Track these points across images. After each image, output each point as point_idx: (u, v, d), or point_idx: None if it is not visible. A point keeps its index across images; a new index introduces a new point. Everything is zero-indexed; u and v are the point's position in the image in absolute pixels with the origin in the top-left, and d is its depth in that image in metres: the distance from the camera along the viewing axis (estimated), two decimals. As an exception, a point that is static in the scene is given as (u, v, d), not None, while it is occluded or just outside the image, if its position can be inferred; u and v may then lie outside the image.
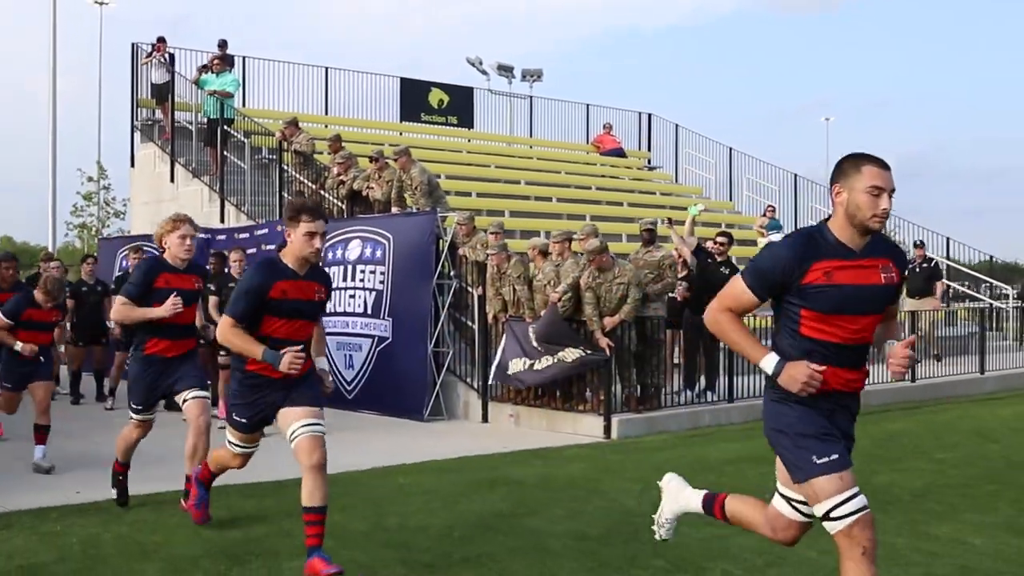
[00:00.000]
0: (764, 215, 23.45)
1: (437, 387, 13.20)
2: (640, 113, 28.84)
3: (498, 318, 12.73)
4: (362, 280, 14.22)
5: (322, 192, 16.14)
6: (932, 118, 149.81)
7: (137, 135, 20.94)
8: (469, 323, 13.44)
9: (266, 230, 16.29)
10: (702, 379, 12.98)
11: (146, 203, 20.90)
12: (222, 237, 17.07)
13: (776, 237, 22.19)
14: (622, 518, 7.20)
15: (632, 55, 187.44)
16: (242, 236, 16.47)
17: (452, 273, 13.40)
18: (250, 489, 8.13)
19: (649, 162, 28.68)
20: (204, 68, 19.46)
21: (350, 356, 14.29)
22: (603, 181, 24.85)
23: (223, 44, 20.41)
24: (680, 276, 12.94)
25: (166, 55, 19.80)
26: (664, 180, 27.26)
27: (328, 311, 14.39)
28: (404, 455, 10.14)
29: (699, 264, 12.92)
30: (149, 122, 20.67)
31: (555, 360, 11.77)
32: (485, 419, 12.93)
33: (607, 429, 11.45)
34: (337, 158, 15.86)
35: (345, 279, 14.43)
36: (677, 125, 28.12)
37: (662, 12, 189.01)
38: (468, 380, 13.32)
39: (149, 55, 19.96)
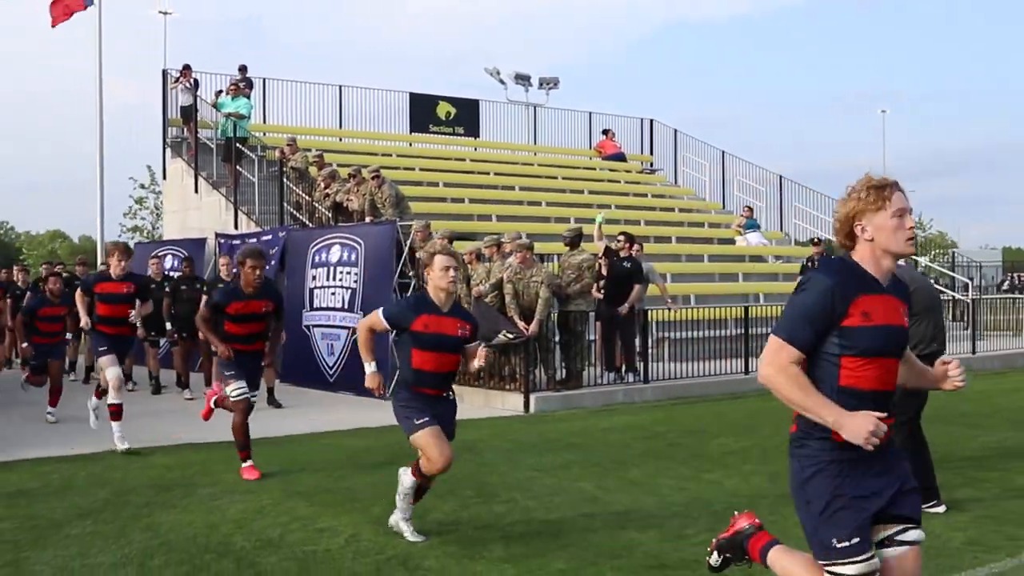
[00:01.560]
0: (742, 215, 25.31)
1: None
2: (642, 119, 30.79)
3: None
4: (341, 280, 16.50)
5: (314, 203, 18.47)
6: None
7: (168, 151, 23.52)
8: (428, 315, 15.62)
9: (270, 236, 18.68)
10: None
11: (175, 211, 23.51)
12: (236, 242, 19.49)
13: (752, 236, 24.16)
14: (475, 468, 9.37)
15: (686, 49, 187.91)
16: (250, 241, 18.86)
17: (411, 273, 15.62)
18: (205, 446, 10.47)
19: (652, 165, 30.64)
20: (220, 92, 21.95)
21: (331, 345, 16.57)
22: (601, 185, 26.84)
23: (243, 68, 22.92)
24: (596, 276, 15.01)
25: (191, 80, 22.32)
26: (660, 183, 29.21)
27: (314, 306, 16.91)
28: (346, 424, 12.42)
29: (608, 262, 14.97)
30: (178, 139, 23.22)
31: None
32: (438, 397, 15.10)
33: (526, 405, 13.60)
34: (321, 174, 18.14)
35: (328, 279, 16.73)
36: (676, 130, 30.07)
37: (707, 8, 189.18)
38: (426, 365, 15.50)
39: (177, 80, 22.50)
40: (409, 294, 15.46)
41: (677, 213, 26.17)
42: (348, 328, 16.24)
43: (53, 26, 24.10)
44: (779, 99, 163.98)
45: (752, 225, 24.93)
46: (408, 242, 15.69)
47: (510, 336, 13.64)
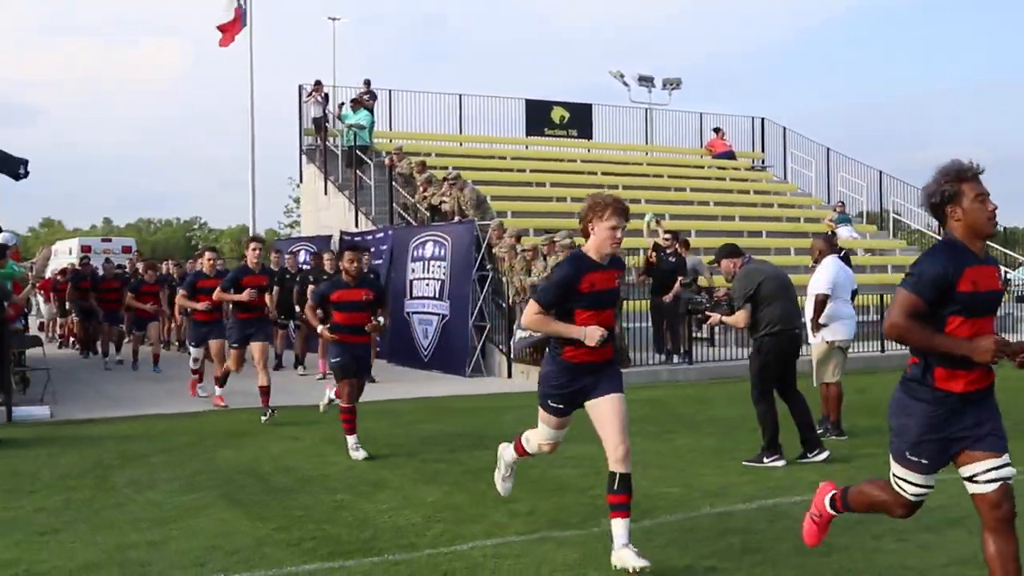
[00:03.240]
0: (835, 210, 26.54)
1: (477, 351, 17.66)
2: (752, 118, 32.18)
3: (515, 301, 17.06)
4: (433, 272, 18.86)
5: (416, 204, 20.89)
6: None
7: (303, 157, 26.43)
8: (504, 304, 17.82)
9: (382, 234, 21.22)
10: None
11: (309, 211, 26.45)
12: (357, 239, 22.11)
13: (843, 230, 25.40)
14: (486, 423, 11.53)
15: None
16: (367, 239, 21.44)
17: (489, 267, 17.83)
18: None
19: (763, 162, 31.98)
20: (343, 105, 24.67)
21: (426, 329, 18.95)
22: (705, 183, 28.46)
23: (367, 83, 25.61)
24: (644, 267, 16.89)
25: (322, 94, 25.13)
26: (767, 179, 30.58)
27: (413, 295, 19.31)
28: (411, 394, 14.73)
29: (656, 257, 16.81)
30: (311, 147, 26.10)
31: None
32: (510, 375, 17.28)
33: (575, 381, 15.61)
34: (421, 178, 20.51)
35: (424, 271, 19.13)
36: (784, 128, 31.35)
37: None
38: (501, 347, 17.70)
39: (309, 94, 25.34)
40: (482, 286, 17.65)
41: (776, 208, 27.56)
42: (438, 315, 18.58)
43: (221, 46, 27.19)
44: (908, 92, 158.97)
45: (843, 219, 26.12)
46: (485, 240, 17.88)
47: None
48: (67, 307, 23.31)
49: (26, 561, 6.20)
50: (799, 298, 10.10)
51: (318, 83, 25.27)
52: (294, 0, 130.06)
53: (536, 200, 24.58)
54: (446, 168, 22.71)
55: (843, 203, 26.96)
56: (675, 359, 16.73)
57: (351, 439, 9.59)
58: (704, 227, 24.30)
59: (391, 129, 27.21)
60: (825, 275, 10.49)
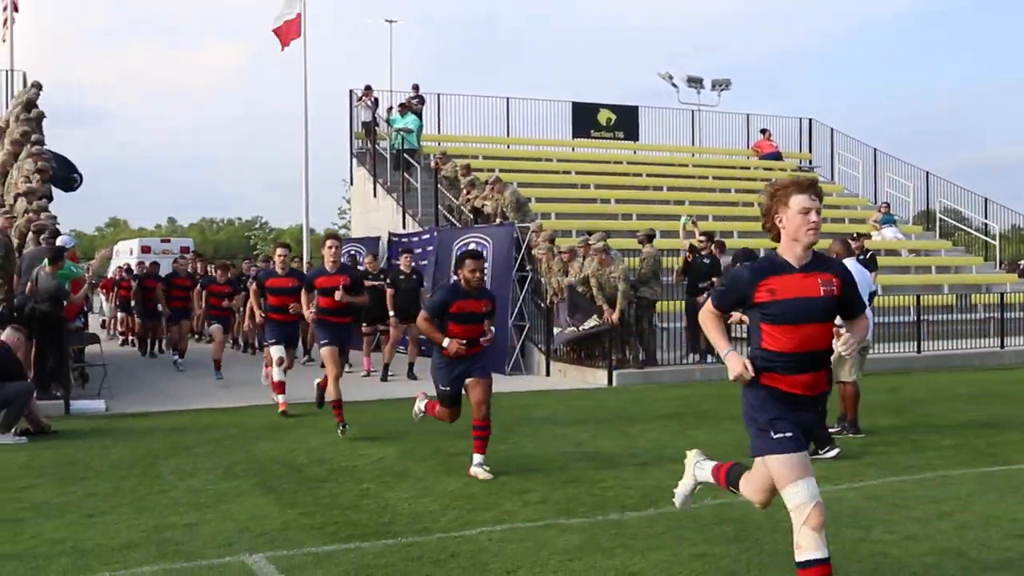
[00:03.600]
0: (879, 210, 26.63)
1: (516, 350, 18.14)
2: (800, 119, 32.31)
3: (553, 301, 17.52)
4: (475, 273, 19.35)
5: (460, 206, 21.43)
6: None
7: (354, 160, 27.09)
8: (542, 304, 18.29)
9: (427, 235, 21.79)
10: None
11: (359, 213, 27.14)
12: (405, 240, 22.72)
13: (888, 231, 25.51)
14: (538, 423, 12.02)
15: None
16: (413, 240, 22.04)
17: (528, 268, 18.30)
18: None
19: (810, 163, 32.10)
20: (391, 109, 25.29)
21: (468, 329, 19.45)
22: (748, 184, 28.64)
23: (416, 87, 26.19)
24: (681, 268, 17.26)
25: (372, 99, 25.77)
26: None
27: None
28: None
29: (692, 258, 17.18)
30: (361, 150, 26.76)
31: (578, 329, 16.48)
32: (548, 373, 17.74)
33: (610, 379, 16.06)
34: (465, 181, 21.03)
35: (467, 272, 19.62)
36: (832, 129, 31.46)
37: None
38: (540, 346, 18.16)
39: (360, 99, 26.00)
40: (521, 286, 18.14)
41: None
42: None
43: (282, 50, 28.00)
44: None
45: (888, 220, 26.23)
46: (525, 241, 18.36)
47: (598, 323, 16.13)
48: (131, 305, 24.02)
49: (73, 539, 6.79)
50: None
51: (368, 88, 25.92)
52: (353, 3, 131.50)
53: (581, 202, 25.02)
54: (492, 171, 23.24)
55: (888, 204, 27.06)
56: (709, 359, 17.06)
57: (477, 457, 8.85)
58: (747, 228, 24.52)
59: (439, 132, 27.78)
60: (841, 278, 10.77)
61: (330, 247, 11.54)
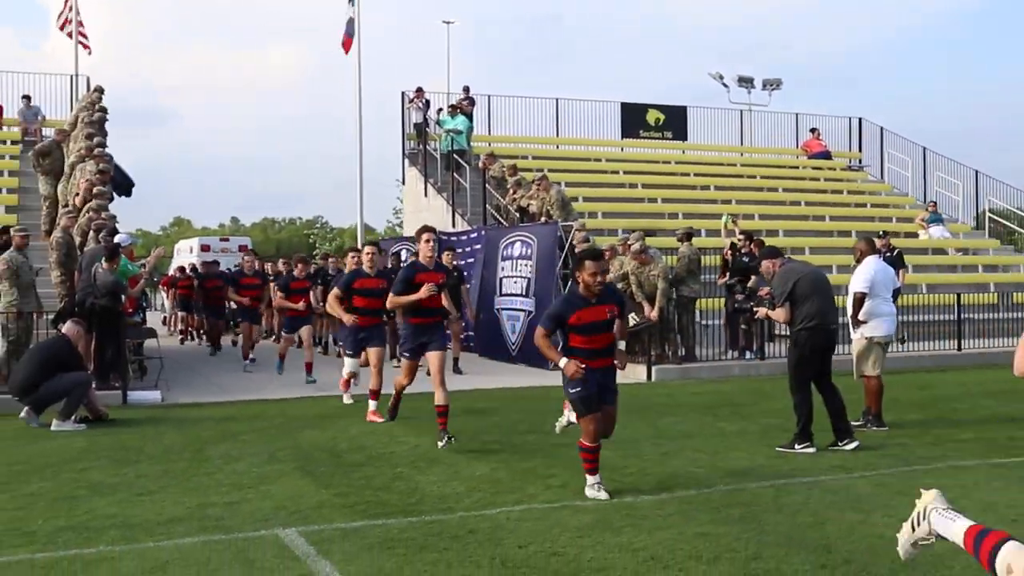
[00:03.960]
0: (927, 209, 26.66)
1: (560, 346, 18.51)
2: (850, 118, 32.36)
3: (594, 298, 17.88)
4: (520, 271, 19.81)
5: (507, 206, 21.89)
6: None
7: (406, 160, 27.70)
8: (585, 301, 18.67)
9: (475, 234, 22.28)
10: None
11: (411, 212, 27.74)
12: (454, 238, 23.25)
13: (935, 229, 25.55)
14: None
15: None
16: (462, 238, 22.55)
17: (571, 266, 18.70)
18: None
19: (860, 162, 32.15)
20: (440, 111, 25.84)
21: (513, 325, 19.92)
22: (796, 183, 28.85)
23: (466, 89, 26.72)
24: (723, 267, 17.57)
25: (423, 101, 26.34)
26: (862, 179, 30.78)
27: (503, 293, 20.30)
28: (496, 384, 15.64)
29: (733, 255, 17.49)
30: (413, 151, 27.35)
31: (616, 326, 16.83)
32: (590, 370, 18.12)
33: (648, 375, 16.43)
34: (511, 181, 21.49)
35: (512, 270, 20.11)
36: (882, 128, 31.47)
37: None
38: (582, 342, 18.54)
39: (411, 100, 26.59)
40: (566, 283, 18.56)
41: (868, 208, 27.80)
42: (525, 311, 19.53)
43: (347, 53, 28.83)
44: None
45: (936, 219, 26.26)
46: (569, 240, 18.76)
47: (637, 320, 16.48)
48: (191, 302, 24.68)
49: (123, 515, 7.35)
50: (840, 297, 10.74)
51: (419, 90, 26.50)
52: (410, 3, 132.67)
53: (628, 201, 25.39)
54: (540, 170, 23.68)
55: (935, 202, 27.09)
56: (747, 355, 17.35)
57: (591, 479, 7.90)
58: (794, 227, 24.78)
59: (490, 133, 28.29)
60: (863, 274, 11.08)
61: (427, 240, 10.31)
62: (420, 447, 10.14)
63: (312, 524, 7.01)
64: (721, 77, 34.42)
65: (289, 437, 10.86)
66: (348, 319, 11.64)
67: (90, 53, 27.69)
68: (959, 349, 18.97)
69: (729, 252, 17.68)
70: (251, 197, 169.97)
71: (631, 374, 16.72)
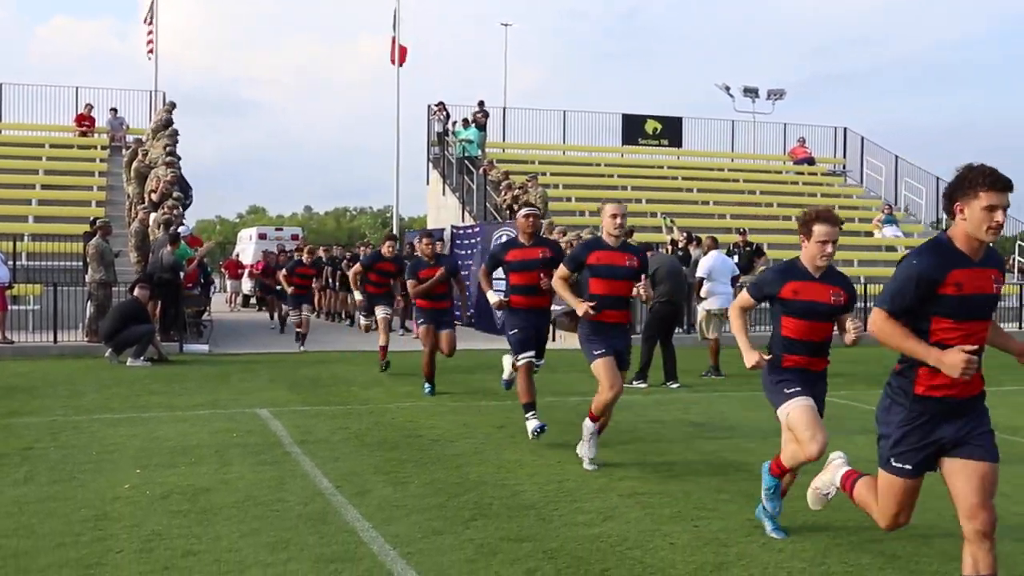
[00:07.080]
0: (882, 211, 30.44)
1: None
2: (835, 128, 36.13)
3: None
4: (507, 259, 24.13)
5: (504, 205, 26.31)
6: None
7: (430, 164, 32.28)
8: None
9: (479, 228, 26.69)
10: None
11: (433, 208, 32.37)
12: (461, 231, 27.69)
13: (888, 230, 29.39)
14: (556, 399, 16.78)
15: None
16: (468, 231, 26.96)
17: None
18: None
19: (844, 167, 35.89)
20: (455, 123, 30.37)
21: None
22: (773, 187, 32.72)
23: (481, 103, 31.17)
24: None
25: (444, 113, 30.86)
26: (837, 183, 34.59)
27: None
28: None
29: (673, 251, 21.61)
30: (435, 156, 31.89)
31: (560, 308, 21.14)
32: (553, 339, 22.38)
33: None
34: (503, 185, 25.85)
35: (501, 258, 24.45)
36: (862, 137, 35.19)
37: None
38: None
39: (434, 113, 31.14)
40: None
41: (836, 211, 31.52)
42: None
43: (393, 63, 33.34)
44: None
45: (890, 220, 30.00)
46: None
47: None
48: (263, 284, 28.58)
49: (166, 404, 11.94)
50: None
51: (440, 103, 31.05)
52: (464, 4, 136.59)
53: (624, 202, 29.53)
54: (543, 173, 28.00)
55: (890, 205, 30.85)
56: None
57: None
58: (767, 226, 28.70)
59: (504, 140, 32.72)
60: (705, 264, 15.30)
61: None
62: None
63: (278, 407, 11.51)
64: (727, 88, 38.22)
65: (290, 372, 15.38)
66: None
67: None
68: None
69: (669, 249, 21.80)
70: (326, 186, 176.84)
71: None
